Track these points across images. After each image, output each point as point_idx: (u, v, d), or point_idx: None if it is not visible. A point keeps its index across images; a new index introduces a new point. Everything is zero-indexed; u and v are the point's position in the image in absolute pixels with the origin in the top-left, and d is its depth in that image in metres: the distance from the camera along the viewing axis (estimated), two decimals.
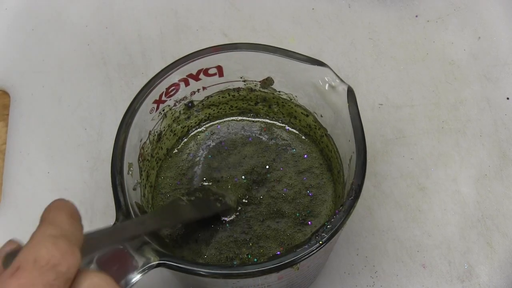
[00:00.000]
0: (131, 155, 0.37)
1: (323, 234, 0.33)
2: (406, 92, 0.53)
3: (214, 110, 0.44)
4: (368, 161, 0.50)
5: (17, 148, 0.51)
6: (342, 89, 0.38)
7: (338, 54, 0.55)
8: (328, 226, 0.34)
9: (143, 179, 0.40)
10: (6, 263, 0.26)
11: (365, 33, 0.56)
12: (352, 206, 0.34)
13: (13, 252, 0.26)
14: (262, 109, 0.44)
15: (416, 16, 0.56)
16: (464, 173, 0.50)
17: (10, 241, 0.27)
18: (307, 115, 0.43)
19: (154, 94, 0.39)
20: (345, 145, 0.38)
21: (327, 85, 0.39)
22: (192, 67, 0.40)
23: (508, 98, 0.53)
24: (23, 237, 0.50)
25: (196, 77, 0.40)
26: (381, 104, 0.53)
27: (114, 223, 0.34)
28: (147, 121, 0.39)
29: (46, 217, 0.27)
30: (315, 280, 0.46)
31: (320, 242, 0.33)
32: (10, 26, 0.56)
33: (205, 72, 0.40)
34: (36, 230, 0.27)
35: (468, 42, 0.55)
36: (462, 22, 0.56)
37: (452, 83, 0.54)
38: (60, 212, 0.28)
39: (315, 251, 0.33)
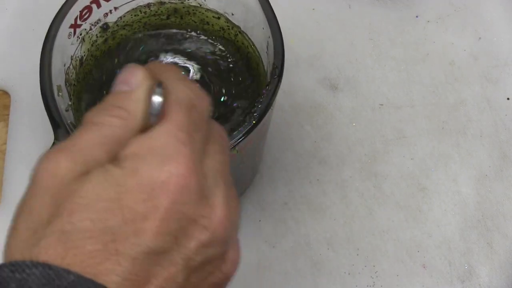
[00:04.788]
0: (58, 79, 0.38)
1: (255, 114, 0.36)
2: (407, 93, 0.53)
3: (129, 31, 0.44)
4: (368, 161, 0.50)
5: (17, 148, 0.51)
6: None
7: (338, 54, 0.55)
8: (259, 106, 0.36)
9: (73, 103, 0.41)
10: (155, 91, 0.25)
11: (365, 34, 0.56)
12: (276, 84, 0.36)
13: (158, 83, 0.26)
14: (175, 22, 0.45)
15: (417, 16, 0.56)
16: (465, 174, 0.50)
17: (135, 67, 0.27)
18: (218, 18, 0.43)
19: (69, 19, 0.39)
20: (260, 35, 0.40)
21: None
22: None
23: (508, 99, 0.53)
24: None
25: None
26: (381, 105, 0.53)
27: (53, 143, 0.34)
28: (67, 46, 0.40)
29: (162, 67, 0.28)
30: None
31: (254, 122, 0.35)
32: (10, 26, 0.56)
33: None
34: (161, 78, 0.26)
35: (468, 43, 0.55)
36: (462, 23, 0.56)
37: (452, 83, 0.54)
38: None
39: (250, 131, 0.35)
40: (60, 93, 0.38)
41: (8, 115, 0.53)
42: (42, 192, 0.23)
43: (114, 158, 0.24)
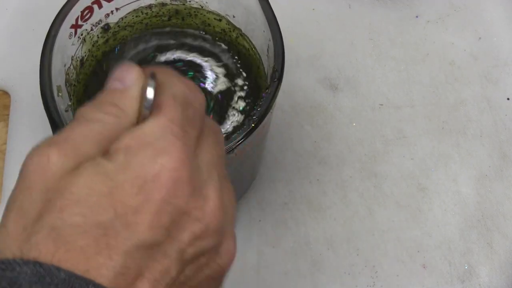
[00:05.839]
0: (58, 79, 0.38)
1: (254, 117, 0.36)
2: (407, 93, 0.53)
3: (130, 32, 0.45)
4: (368, 161, 0.50)
5: (17, 148, 0.51)
6: None
7: (338, 54, 0.55)
8: (258, 109, 0.36)
9: (73, 103, 0.41)
10: (148, 83, 0.25)
11: (366, 34, 0.56)
12: (276, 88, 0.36)
13: (152, 74, 0.26)
14: (176, 23, 0.45)
15: (417, 16, 0.56)
16: (465, 174, 0.50)
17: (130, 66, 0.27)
18: (220, 20, 0.43)
19: (70, 19, 0.39)
20: (260, 38, 0.40)
21: None
22: None
23: (508, 99, 0.53)
24: None
25: None
26: (382, 105, 0.53)
27: None
28: (67, 46, 0.40)
29: (159, 67, 0.27)
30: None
31: (253, 125, 0.35)
32: (10, 26, 0.56)
33: None
34: (158, 75, 0.26)
35: (468, 43, 0.55)
36: (462, 23, 0.56)
37: (452, 83, 0.54)
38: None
39: (249, 134, 0.36)
40: (60, 94, 0.38)
41: (8, 115, 0.53)
42: (32, 187, 0.23)
43: (105, 152, 0.24)
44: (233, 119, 0.42)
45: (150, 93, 0.25)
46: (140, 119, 0.25)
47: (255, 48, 0.42)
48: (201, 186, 0.25)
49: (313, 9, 0.57)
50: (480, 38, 0.56)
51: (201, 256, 0.25)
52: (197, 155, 0.25)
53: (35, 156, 0.24)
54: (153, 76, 0.26)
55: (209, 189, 0.25)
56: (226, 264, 0.27)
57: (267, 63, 0.40)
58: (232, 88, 0.43)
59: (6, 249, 0.23)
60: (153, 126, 0.24)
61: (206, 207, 0.25)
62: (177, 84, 0.26)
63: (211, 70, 0.44)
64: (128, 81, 0.26)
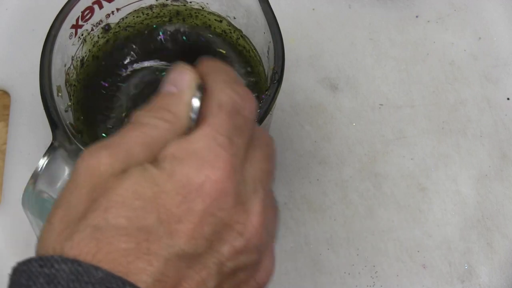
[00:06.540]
0: (57, 79, 0.38)
1: None
2: (407, 93, 0.53)
3: (131, 32, 0.45)
4: (368, 161, 0.50)
5: (18, 148, 0.51)
6: None
7: (338, 54, 0.55)
8: (258, 111, 0.35)
9: (73, 103, 0.41)
10: (195, 94, 0.25)
11: (366, 34, 0.56)
12: (276, 90, 0.36)
13: (199, 85, 0.26)
14: (176, 24, 0.45)
15: (417, 16, 0.56)
16: (464, 174, 0.50)
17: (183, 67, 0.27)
18: (220, 21, 0.43)
19: (71, 19, 0.39)
20: (261, 39, 0.40)
21: None
22: None
23: (508, 99, 0.53)
24: (23, 237, 0.50)
25: None
26: (382, 105, 0.53)
27: (51, 143, 0.34)
28: (68, 47, 0.40)
29: (212, 67, 0.27)
30: (315, 279, 0.46)
31: None
32: (10, 26, 0.56)
33: None
34: (208, 79, 0.26)
35: (468, 43, 0.55)
36: (462, 23, 0.56)
37: (452, 83, 0.54)
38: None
39: None
40: (60, 94, 0.39)
41: (8, 115, 0.53)
42: (80, 187, 0.24)
43: (154, 159, 0.24)
44: None
45: (195, 103, 0.25)
46: (193, 126, 0.25)
47: (255, 49, 0.42)
48: (246, 200, 0.25)
49: (313, 9, 0.57)
50: (480, 38, 0.56)
51: (240, 271, 0.25)
52: (244, 167, 0.25)
53: (86, 157, 0.24)
54: (200, 87, 0.26)
55: (253, 204, 0.25)
56: (263, 282, 0.27)
57: (268, 64, 0.40)
58: None
59: (48, 245, 0.23)
60: (199, 136, 0.24)
61: (248, 222, 0.25)
62: (226, 90, 0.26)
63: None
64: (181, 85, 0.26)
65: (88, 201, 0.23)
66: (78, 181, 0.24)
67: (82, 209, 0.23)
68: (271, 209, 0.27)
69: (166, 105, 0.25)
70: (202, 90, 0.26)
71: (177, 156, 0.24)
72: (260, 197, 0.25)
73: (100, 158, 0.24)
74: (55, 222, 0.23)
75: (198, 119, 0.25)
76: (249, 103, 0.26)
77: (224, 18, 0.43)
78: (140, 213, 0.23)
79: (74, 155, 0.35)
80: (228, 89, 0.26)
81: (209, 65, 0.28)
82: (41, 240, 0.24)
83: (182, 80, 0.26)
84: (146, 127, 0.25)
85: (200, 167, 0.24)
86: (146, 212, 0.23)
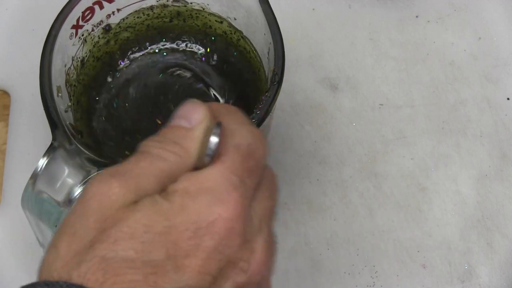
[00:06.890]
0: (58, 80, 0.39)
1: (253, 120, 0.35)
2: (407, 93, 0.53)
3: (131, 33, 0.45)
4: (368, 161, 0.50)
5: (17, 148, 0.51)
6: None
7: (338, 54, 0.55)
8: (257, 112, 0.36)
9: (73, 104, 0.41)
10: (213, 131, 0.26)
11: (366, 34, 0.56)
12: (276, 91, 0.36)
13: (217, 123, 0.26)
14: (178, 25, 0.45)
15: (417, 16, 0.56)
16: (464, 174, 0.50)
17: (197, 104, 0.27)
18: (221, 22, 0.43)
19: (71, 19, 0.39)
20: (261, 40, 0.40)
21: None
22: None
23: (508, 99, 0.53)
24: (23, 237, 0.50)
25: None
26: (382, 105, 0.53)
27: (51, 143, 0.34)
28: (68, 47, 0.40)
29: (225, 108, 0.28)
30: (315, 279, 0.46)
31: None
32: (10, 26, 0.56)
33: None
34: (225, 119, 0.26)
35: (468, 43, 0.55)
36: (462, 23, 0.56)
37: (452, 83, 0.54)
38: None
39: None
40: (60, 94, 0.39)
41: (8, 115, 0.53)
42: (89, 214, 0.24)
43: (163, 190, 0.25)
44: None
45: (214, 140, 0.25)
46: (201, 163, 0.26)
47: (256, 50, 0.42)
48: (251, 238, 0.25)
49: (313, 9, 0.57)
50: (480, 38, 0.56)
51: None
52: (251, 206, 0.26)
53: (96, 183, 0.24)
54: (218, 124, 0.26)
55: (258, 242, 0.26)
56: None
57: (268, 66, 0.40)
58: (233, 91, 0.43)
59: (54, 270, 0.23)
60: (213, 174, 0.25)
61: (252, 259, 0.25)
62: (242, 133, 0.26)
63: (210, 72, 0.44)
64: (194, 121, 0.26)
65: (96, 230, 0.23)
66: (87, 208, 0.24)
67: (91, 238, 0.23)
68: (272, 246, 0.27)
69: (177, 138, 0.26)
70: (220, 127, 0.26)
71: (189, 191, 0.24)
72: (265, 235, 0.26)
73: (111, 187, 0.24)
74: (62, 249, 0.23)
75: (212, 158, 0.26)
76: (262, 147, 0.27)
77: (224, 19, 0.43)
78: (149, 247, 0.23)
79: (74, 155, 0.35)
80: (246, 131, 0.27)
81: (222, 106, 0.29)
82: (45, 264, 0.24)
83: (195, 115, 0.26)
84: (155, 159, 0.25)
85: (212, 204, 0.24)
86: (155, 246, 0.23)
